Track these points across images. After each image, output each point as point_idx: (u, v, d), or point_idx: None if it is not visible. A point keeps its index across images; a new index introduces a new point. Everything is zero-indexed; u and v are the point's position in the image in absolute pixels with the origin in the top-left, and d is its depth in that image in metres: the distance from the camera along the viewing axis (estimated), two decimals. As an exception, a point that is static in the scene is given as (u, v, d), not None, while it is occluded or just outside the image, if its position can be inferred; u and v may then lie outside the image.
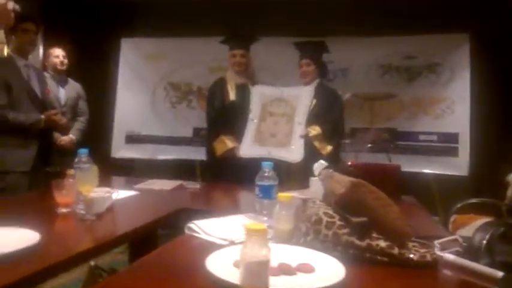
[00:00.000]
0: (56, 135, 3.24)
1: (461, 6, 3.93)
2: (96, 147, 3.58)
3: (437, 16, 3.93)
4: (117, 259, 2.74)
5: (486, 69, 3.77)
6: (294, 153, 2.82)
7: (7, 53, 2.96)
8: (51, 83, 3.34)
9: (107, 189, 1.71)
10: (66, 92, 3.47)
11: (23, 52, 2.80)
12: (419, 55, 3.89)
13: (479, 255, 1.08)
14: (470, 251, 1.17)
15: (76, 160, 1.69)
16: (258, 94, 3.08)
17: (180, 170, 4.06)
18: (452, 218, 2.46)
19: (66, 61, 3.49)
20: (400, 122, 3.92)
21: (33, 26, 2.80)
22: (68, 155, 2.81)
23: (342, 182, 1.20)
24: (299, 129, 2.88)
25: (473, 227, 2.18)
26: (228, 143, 2.99)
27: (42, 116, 2.72)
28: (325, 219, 1.16)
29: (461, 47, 3.78)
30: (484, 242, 1.10)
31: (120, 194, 1.88)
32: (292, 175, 2.68)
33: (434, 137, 3.82)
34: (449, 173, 3.70)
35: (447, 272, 1.08)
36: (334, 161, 2.74)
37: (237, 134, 3.00)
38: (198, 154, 3.92)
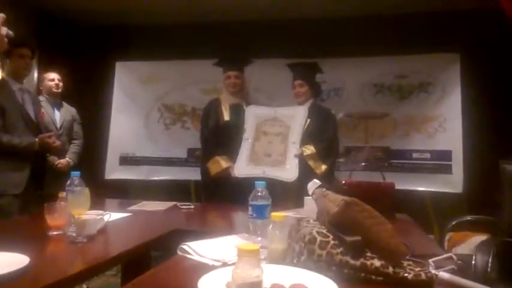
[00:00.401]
0: (53, 158, 3.24)
1: (452, 27, 4.02)
2: (89, 170, 3.59)
3: (428, 36, 4.02)
4: (109, 282, 2.70)
5: (477, 87, 3.83)
6: (289, 172, 2.82)
7: (1, 77, 2.97)
8: (46, 107, 3.36)
9: (99, 211, 1.69)
10: (61, 115, 3.48)
11: (17, 76, 2.81)
12: (411, 74, 3.95)
13: (486, 276, 1.06)
14: (466, 269, 1.16)
15: (68, 182, 1.68)
16: (252, 114, 3.10)
17: (175, 190, 4.03)
18: (447, 236, 2.45)
19: (61, 84, 3.52)
20: (394, 141, 3.94)
21: (28, 51, 2.83)
22: (62, 177, 2.80)
23: (336, 201, 1.20)
24: (293, 148, 2.89)
25: (469, 245, 2.18)
26: (223, 163, 2.99)
27: (36, 139, 2.71)
28: (319, 238, 1.15)
29: (452, 66, 3.85)
30: (489, 263, 1.09)
31: (113, 216, 1.86)
32: (287, 195, 2.67)
33: (428, 155, 3.84)
34: (444, 191, 3.71)
35: (442, 291, 1.07)
36: (329, 180, 2.74)
37: (232, 154, 3.00)
38: (192, 175, 3.91)
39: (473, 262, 1.16)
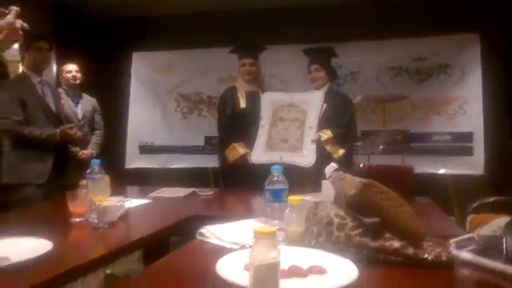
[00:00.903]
0: (76, 149, 3.30)
1: (470, 7, 3.90)
2: (110, 159, 3.65)
3: (446, 17, 3.91)
4: (132, 267, 2.76)
5: (497, 68, 3.74)
6: (306, 157, 2.81)
7: (22, 71, 3.03)
8: (66, 98, 3.42)
9: (119, 198, 1.72)
10: (82, 107, 3.54)
11: (37, 69, 2.87)
12: (429, 56, 3.85)
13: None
14: (488, 249, 1.14)
15: (88, 171, 1.71)
16: (268, 101, 3.09)
17: (194, 178, 4.06)
18: (469, 218, 2.41)
19: (79, 75, 3.56)
20: (413, 124, 3.87)
21: (46, 44, 2.88)
22: (84, 167, 2.86)
23: (353, 183, 1.18)
24: (310, 133, 2.87)
25: (491, 226, 2.14)
26: (240, 149, 3.00)
27: (57, 130, 2.77)
28: (336, 220, 1.14)
29: (472, 47, 3.74)
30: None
31: (133, 202, 1.90)
32: (305, 180, 2.67)
33: (448, 137, 3.77)
34: (465, 173, 3.64)
35: (464, 271, 1.05)
36: (347, 164, 2.72)
37: (249, 140, 3.01)
38: (210, 162, 3.95)
39: (504, 245, 1.12)
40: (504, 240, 1.09)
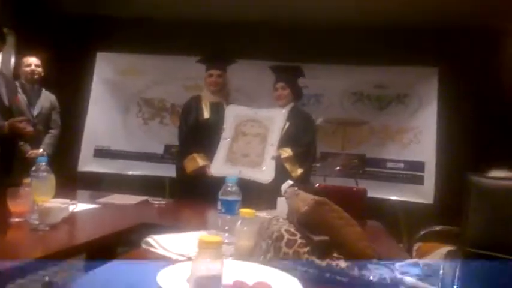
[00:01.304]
0: (26, 148, 3.14)
1: (431, 42, 4.11)
2: (63, 160, 3.50)
3: (408, 49, 4.09)
4: (74, 276, 2.62)
5: (453, 101, 3.93)
6: (265, 174, 2.80)
7: None
8: (22, 92, 3.26)
9: (64, 200, 1.64)
10: (39, 103, 3.38)
11: None
12: (390, 85, 4.01)
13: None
14: (431, 276, 1.17)
15: (34, 168, 1.62)
16: (233, 114, 3.07)
17: (149, 186, 3.96)
18: (416, 246, 2.48)
19: (39, 70, 3.42)
20: (369, 149, 3.99)
21: None
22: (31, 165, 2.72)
23: (306, 200, 1.19)
24: (271, 150, 2.87)
25: (437, 255, 2.20)
26: (199, 160, 2.95)
27: (6, 123, 2.62)
28: (286, 236, 1.14)
29: (430, 79, 3.93)
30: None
31: (80, 206, 1.81)
32: (261, 196, 2.64)
33: (401, 165, 3.91)
34: (415, 201, 3.76)
35: (406, 296, 1.07)
36: (304, 184, 2.73)
37: (209, 152, 2.97)
38: (168, 171, 3.86)
39: (441, 272, 1.17)
40: (442, 267, 1.12)
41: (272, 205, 2.17)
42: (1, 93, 2.74)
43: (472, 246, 1.20)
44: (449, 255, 1.44)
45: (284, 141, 2.89)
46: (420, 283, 1.11)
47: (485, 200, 1.23)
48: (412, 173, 3.85)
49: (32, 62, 3.40)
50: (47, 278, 1.97)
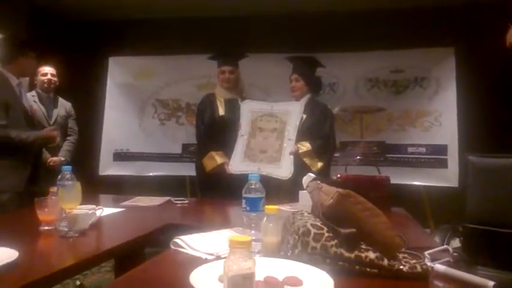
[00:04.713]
0: (46, 155, 3.19)
1: (446, 21, 4.02)
2: (83, 166, 3.56)
3: (423, 31, 4.01)
4: (104, 278, 2.68)
5: (471, 81, 3.83)
6: (284, 170, 2.77)
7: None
8: (39, 101, 3.32)
9: (91, 206, 1.67)
10: (55, 111, 3.45)
11: (22, 75, 2.78)
12: (406, 69, 3.94)
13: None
14: (462, 261, 1.16)
15: (59, 177, 1.65)
16: (248, 109, 3.05)
17: (170, 186, 4.01)
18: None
19: (54, 79, 3.48)
20: (389, 135, 3.93)
21: (34, 53, 2.81)
22: (54, 174, 2.77)
23: (330, 193, 1.18)
24: (289, 145, 2.83)
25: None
26: (218, 158, 2.95)
27: (43, 132, 2.67)
28: (313, 231, 1.13)
29: (447, 60, 3.84)
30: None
31: (106, 211, 1.84)
32: (282, 190, 2.65)
33: (423, 149, 3.84)
34: (439, 185, 3.70)
35: (438, 283, 1.05)
36: (325, 177, 2.70)
37: (227, 149, 2.97)
38: (187, 170, 3.88)
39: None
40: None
41: (293, 199, 2.17)
42: (25, 104, 2.80)
43: (470, 222, 1.23)
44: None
45: (302, 135, 2.85)
46: (452, 270, 1.09)
47: (481, 178, 1.28)
48: (435, 157, 3.79)
49: (48, 71, 3.46)
50: (78, 282, 2.01)
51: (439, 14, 4.03)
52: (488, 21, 3.76)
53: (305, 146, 2.82)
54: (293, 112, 2.93)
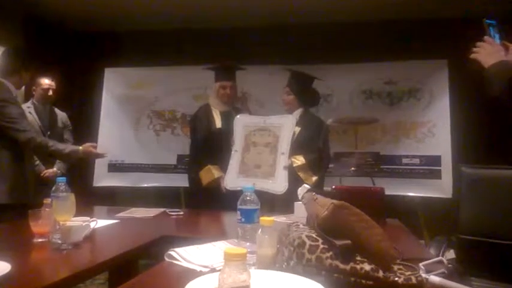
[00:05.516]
0: (40, 168, 3.17)
1: (440, 34, 4.07)
2: (78, 177, 3.54)
3: (417, 43, 4.06)
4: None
5: (464, 93, 3.87)
6: (278, 184, 2.72)
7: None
8: (34, 113, 3.32)
9: (85, 218, 1.66)
10: (51, 122, 3.44)
11: (18, 86, 2.77)
12: (400, 80, 3.98)
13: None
14: (456, 272, 1.16)
15: (53, 189, 1.64)
16: (241, 125, 2.99)
17: (165, 197, 4.00)
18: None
19: (52, 92, 3.48)
20: (383, 146, 3.96)
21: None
22: (48, 187, 2.74)
23: (325, 205, 1.18)
24: (282, 159, 2.79)
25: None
26: (215, 172, 2.91)
27: (80, 147, 2.66)
28: (308, 242, 1.13)
29: (440, 72, 3.88)
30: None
31: (100, 223, 1.83)
32: (277, 204, 2.64)
33: (417, 160, 3.86)
34: (433, 195, 3.71)
35: (433, 295, 1.06)
36: (318, 189, 2.68)
37: (222, 163, 2.92)
38: (182, 181, 3.83)
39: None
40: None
41: (288, 209, 2.17)
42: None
43: (464, 233, 1.24)
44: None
45: (296, 149, 2.81)
46: (447, 281, 1.10)
47: (475, 189, 1.29)
48: (428, 168, 3.81)
49: (47, 83, 3.45)
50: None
51: (433, 26, 4.09)
52: (481, 34, 3.82)
53: (299, 160, 2.79)
54: (285, 125, 2.87)
